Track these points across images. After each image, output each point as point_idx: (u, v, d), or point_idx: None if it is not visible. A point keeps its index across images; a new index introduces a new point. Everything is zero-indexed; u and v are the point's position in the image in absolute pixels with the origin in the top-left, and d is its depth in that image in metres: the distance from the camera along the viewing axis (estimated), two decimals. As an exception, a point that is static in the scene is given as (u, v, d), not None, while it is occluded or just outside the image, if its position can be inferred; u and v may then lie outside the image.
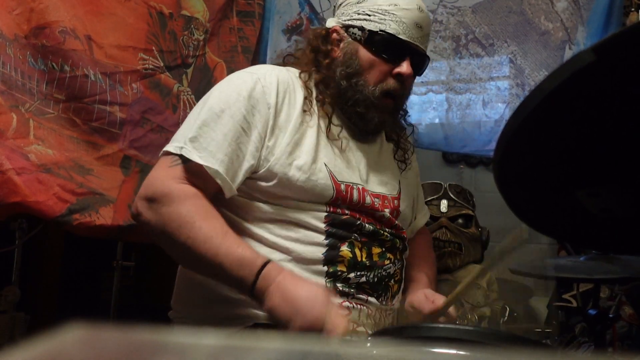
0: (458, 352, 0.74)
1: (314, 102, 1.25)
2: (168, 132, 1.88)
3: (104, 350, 0.34)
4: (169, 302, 1.29)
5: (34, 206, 1.49)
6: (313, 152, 1.19)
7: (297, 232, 1.17)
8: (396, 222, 1.29)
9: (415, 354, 0.71)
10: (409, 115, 1.46)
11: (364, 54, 1.24)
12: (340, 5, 1.32)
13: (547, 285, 2.33)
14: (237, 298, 1.12)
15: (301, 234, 1.17)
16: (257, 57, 2.21)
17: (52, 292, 3.35)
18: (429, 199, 2.12)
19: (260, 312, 1.11)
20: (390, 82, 1.25)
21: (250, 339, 0.37)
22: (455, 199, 2.11)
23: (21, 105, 1.56)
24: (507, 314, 1.99)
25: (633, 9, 2.12)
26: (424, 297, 1.26)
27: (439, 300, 1.22)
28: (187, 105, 1.96)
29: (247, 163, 1.14)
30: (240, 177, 1.14)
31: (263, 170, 1.15)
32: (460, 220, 2.10)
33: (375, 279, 1.20)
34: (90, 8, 1.74)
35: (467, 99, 2.13)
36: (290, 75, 1.25)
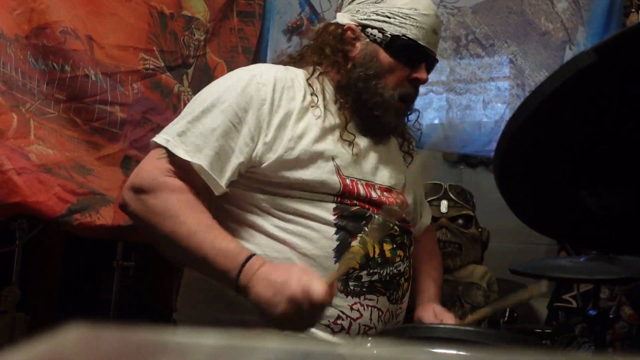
0: (458, 352, 0.74)
1: (328, 99, 1.24)
2: (168, 132, 1.88)
3: (104, 350, 0.34)
4: (169, 302, 1.29)
5: (35, 206, 1.49)
6: (317, 146, 1.17)
7: (306, 225, 1.14)
8: (404, 214, 1.29)
9: (415, 354, 0.71)
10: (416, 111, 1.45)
11: (385, 57, 1.23)
12: (352, 1, 1.29)
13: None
14: (244, 305, 1.11)
15: (309, 228, 1.14)
16: (257, 57, 2.21)
17: (52, 292, 3.35)
18: (429, 199, 2.12)
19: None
20: (408, 87, 1.25)
21: (250, 339, 0.37)
22: (456, 199, 2.11)
23: (22, 105, 1.56)
24: (507, 314, 1.99)
25: (633, 10, 2.12)
26: (433, 314, 1.27)
27: (448, 319, 1.24)
28: (188, 105, 1.96)
29: (236, 159, 1.12)
30: (228, 173, 1.12)
31: (266, 164, 1.13)
32: (460, 221, 2.10)
33: (388, 277, 1.18)
34: (91, 8, 1.74)
35: (468, 100, 2.13)
36: (289, 74, 1.23)
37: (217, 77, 2.04)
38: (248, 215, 1.16)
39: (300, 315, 0.95)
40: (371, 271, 1.16)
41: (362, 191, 1.20)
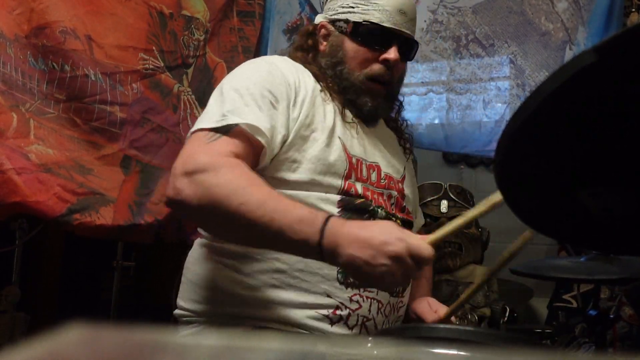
0: (459, 352, 0.74)
1: (326, 90, 1.27)
2: (168, 132, 1.89)
3: (104, 350, 0.34)
4: (169, 302, 1.29)
5: (34, 206, 1.49)
6: (330, 127, 1.20)
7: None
8: (404, 203, 1.30)
9: (415, 354, 0.71)
10: (404, 109, 1.47)
11: (349, 44, 1.27)
12: (327, 1, 1.36)
13: (547, 285, 2.33)
14: (246, 297, 1.11)
15: None
16: (257, 57, 2.21)
17: (52, 292, 3.35)
18: (429, 199, 2.12)
19: (268, 312, 1.10)
20: (376, 67, 1.26)
21: (250, 339, 0.37)
22: (456, 199, 2.11)
23: (21, 105, 1.56)
24: (507, 314, 1.99)
25: (633, 10, 2.12)
26: (428, 306, 1.26)
27: (442, 310, 1.23)
28: (188, 105, 1.96)
29: (280, 134, 1.13)
30: (277, 144, 1.12)
31: (288, 141, 1.15)
32: (460, 221, 2.10)
33: None
34: (91, 8, 1.74)
35: (468, 99, 2.13)
36: (295, 63, 1.28)
37: (216, 77, 2.05)
38: None
39: (404, 273, 0.93)
40: None
41: (364, 172, 1.22)
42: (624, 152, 0.56)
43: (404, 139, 1.44)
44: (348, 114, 1.27)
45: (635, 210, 0.61)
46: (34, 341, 0.32)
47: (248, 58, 2.15)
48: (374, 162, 1.26)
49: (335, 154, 1.18)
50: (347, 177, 1.18)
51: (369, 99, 1.27)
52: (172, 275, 1.30)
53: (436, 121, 2.17)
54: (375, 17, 1.24)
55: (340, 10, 1.29)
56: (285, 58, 1.30)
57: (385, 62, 1.26)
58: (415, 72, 2.13)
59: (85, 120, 1.69)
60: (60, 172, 1.58)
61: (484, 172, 2.85)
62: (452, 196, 2.11)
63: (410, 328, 1.01)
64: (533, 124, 0.54)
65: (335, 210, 1.15)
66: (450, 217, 2.08)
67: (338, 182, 1.17)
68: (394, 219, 1.23)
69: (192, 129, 1.11)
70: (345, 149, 1.20)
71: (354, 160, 1.21)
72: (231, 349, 0.37)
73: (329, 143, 1.18)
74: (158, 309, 1.27)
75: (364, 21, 1.25)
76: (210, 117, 1.10)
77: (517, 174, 0.63)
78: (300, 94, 1.19)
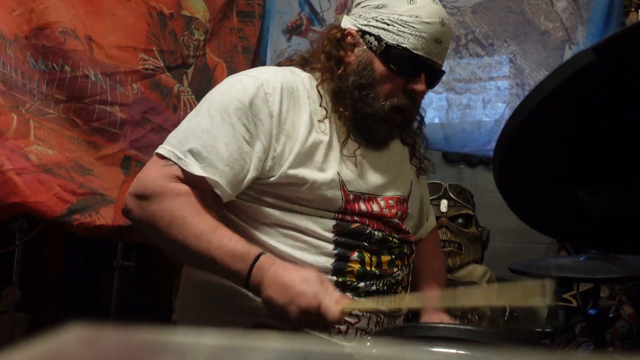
0: (458, 351, 0.74)
1: (329, 109, 1.21)
2: (168, 132, 1.88)
3: (104, 350, 0.34)
4: (169, 302, 1.29)
5: (34, 206, 1.49)
6: (324, 162, 1.16)
7: (305, 241, 1.15)
8: (403, 226, 1.27)
9: (415, 353, 0.71)
10: (423, 121, 1.41)
11: (379, 66, 1.18)
12: (358, 4, 1.24)
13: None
14: (242, 304, 1.12)
15: (309, 243, 1.14)
16: (257, 57, 2.21)
17: (52, 292, 3.35)
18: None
19: (266, 320, 1.10)
20: (402, 98, 1.19)
21: (250, 339, 0.37)
22: (455, 198, 2.11)
23: (21, 105, 1.56)
24: (507, 314, 1.98)
25: (633, 9, 2.12)
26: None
27: None
28: (188, 105, 1.96)
29: (250, 175, 1.11)
30: (242, 187, 1.12)
31: (273, 178, 1.13)
32: (460, 220, 2.10)
33: (385, 287, 1.18)
34: (91, 8, 1.74)
35: (467, 99, 2.13)
36: (295, 79, 1.20)
37: (216, 77, 2.05)
38: (249, 226, 1.16)
39: (310, 325, 1.00)
40: (368, 282, 1.16)
41: (362, 207, 1.20)
42: (623, 151, 0.56)
43: (418, 157, 1.39)
44: (351, 142, 1.21)
45: (634, 209, 0.61)
46: (34, 341, 0.32)
47: (248, 58, 2.16)
48: (374, 194, 1.23)
49: (331, 192, 1.16)
50: (342, 212, 1.18)
51: (385, 127, 1.22)
52: (172, 275, 1.30)
53: (436, 121, 2.17)
54: (409, 42, 1.15)
55: (374, 23, 1.18)
56: (284, 72, 1.20)
57: (411, 92, 1.19)
58: (415, 72, 2.13)
59: (86, 120, 1.69)
60: (60, 172, 1.58)
61: (484, 172, 2.85)
62: (451, 196, 2.11)
63: (409, 327, 1.01)
64: (532, 123, 0.54)
65: (330, 235, 1.15)
66: (450, 217, 2.09)
67: (332, 215, 1.17)
68: (390, 238, 1.22)
69: (158, 148, 1.13)
70: (342, 187, 1.17)
71: (351, 197, 1.18)
72: (231, 349, 0.37)
73: (324, 182, 1.15)
74: (158, 309, 1.27)
75: (397, 45, 1.15)
76: (175, 141, 1.12)
77: (516, 173, 0.63)
78: (287, 124, 1.14)
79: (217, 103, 1.14)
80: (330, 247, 1.15)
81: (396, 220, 1.25)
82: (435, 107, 2.16)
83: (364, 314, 1.15)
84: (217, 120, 1.11)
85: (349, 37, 1.22)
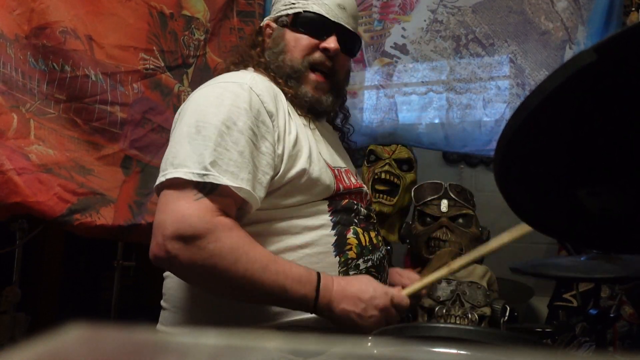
0: (459, 351, 0.74)
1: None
2: (169, 132, 1.88)
3: (104, 350, 0.34)
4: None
5: (35, 206, 1.49)
6: (307, 147, 1.20)
7: (305, 226, 1.17)
8: (369, 197, 1.34)
9: (415, 353, 0.71)
10: (350, 115, 1.51)
11: (290, 35, 1.30)
12: (273, 4, 1.40)
13: (547, 284, 2.33)
14: (224, 309, 1.12)
15: (309, 228, 1.17)
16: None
17: (52, 292, 3.35)
18: (429, 198, 2.12)
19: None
20: (317, 55, 1.28)
21: (250, 339, 0.37)
22: (456, 198, 2.11)
23: (22, 105, 1.56)
24: (507, 313, 1.99)
25: (633, 9, 2.12)
26: (398, 275, 1.36)
27: (412, 277, 1.34)
28: (188, 105, 1.96)
29: (267, 176, 1.11)
30: (263, 192, 1.10)
31: (279, 174, 1.14)
32: (460, 220, 2.10)
33: (378, 262, 1.24)
34: (91, 8, 1.74)
35: (468, 99, 2.13)
36: (263, 78, 1.24)
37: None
38: (251, 225, 1.15)
39: (388, 320, 1.08)
40: (366, 258, 1.21)
41: (345, 181, 1.26)
42: (623, 151, 0.56)
43: (347, 142, 1.48)
44: (304, 118, 1.27)
45: (634, 209, 0.61)
46: (34, 341, 0.32)
47: (248, 58, 2.16)
48: (341, 167, 1.29)
49: (324, 174, 1.19)
50: (336, 190, 1.22)
51: (310, 89, 1.28)
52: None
53: (436, 120, 2.17)
54: (314, 8, 1.29)
55: (282, 8, 1.34)
56: (259, 77, 1.22)
57: (326, 51, 1.28)
58: (415, 72, 2.13)
59: (86, 120, 1.69)
60: (60, 172, 1.58)
61: (484, 172, 2.85)
62: (452, 195, 2.11)
63: (409, 327, 1.01)
64: (532, 123, 0.54)
65: (327, 215, 1.20)
66: (450, 217, 2.09)
67: (328, 195, 1.21)
68: (368, 211, 1.29)
69: (170, 174, 1.04)
70: (328, 165, 1.23)
71: (336, 172, 1.24)
72: (231, 349, 0.37)
73: (320, 167, 1.19)
74: (158, 309, 1.27)
75: (303, 11, 1.29)
76: (190, 163, 1.04)
77: (516, 173, 0.63)
78: (280, 122, 1.16)
79: (217, 115, 1.09)
80: (328, 229, 1.19)
81: (365, 190, 1.32)
82: (435, 107, 2.16)
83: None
84: (224, 130, 1.07)
85: (267, 29, 1.37)
